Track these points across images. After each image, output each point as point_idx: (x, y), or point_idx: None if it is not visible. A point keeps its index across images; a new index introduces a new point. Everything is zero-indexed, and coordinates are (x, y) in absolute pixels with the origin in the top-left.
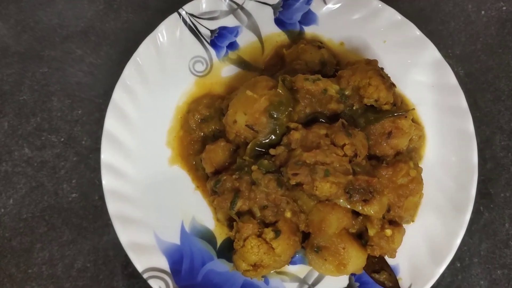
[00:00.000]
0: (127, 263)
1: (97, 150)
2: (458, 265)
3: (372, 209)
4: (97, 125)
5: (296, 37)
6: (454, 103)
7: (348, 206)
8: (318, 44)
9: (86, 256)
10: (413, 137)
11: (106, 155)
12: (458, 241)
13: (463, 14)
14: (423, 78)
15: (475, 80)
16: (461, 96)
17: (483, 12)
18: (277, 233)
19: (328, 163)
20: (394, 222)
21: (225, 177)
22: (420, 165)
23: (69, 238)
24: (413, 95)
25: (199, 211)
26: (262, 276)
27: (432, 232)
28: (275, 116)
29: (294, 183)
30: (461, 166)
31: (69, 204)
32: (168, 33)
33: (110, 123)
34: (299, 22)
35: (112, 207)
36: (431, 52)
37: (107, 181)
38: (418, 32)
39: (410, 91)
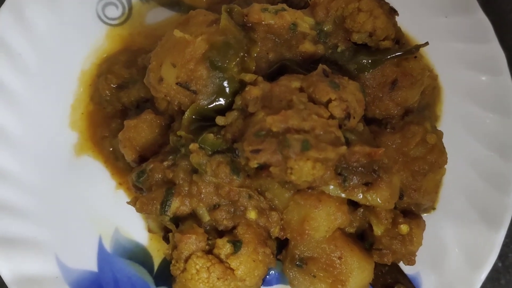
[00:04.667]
0: None
1: None
2: (500, 264)
3: (379, 197)
4: None
5: None
6: (478, 40)
7: (343, 195)
8: None
9: None
10: (426, 88)
11: None
12: (502, 234)
13: None
14: (431, 6)
15: (497, 9)
16: (487, 29)
17: None
18: (237, 245)
19: (307, 130)
20: (409, 213)
21: (152, 165)
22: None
23: None
24: (419, 31)
25: (124, 219)
26: None
27: (463, 223)
28: (219, 64)
29: (255, 166)
30: (499, 128)
31: None
32: None
33: None
34: None
35: None
36: None
37: None
38: None
39: (414, 24)
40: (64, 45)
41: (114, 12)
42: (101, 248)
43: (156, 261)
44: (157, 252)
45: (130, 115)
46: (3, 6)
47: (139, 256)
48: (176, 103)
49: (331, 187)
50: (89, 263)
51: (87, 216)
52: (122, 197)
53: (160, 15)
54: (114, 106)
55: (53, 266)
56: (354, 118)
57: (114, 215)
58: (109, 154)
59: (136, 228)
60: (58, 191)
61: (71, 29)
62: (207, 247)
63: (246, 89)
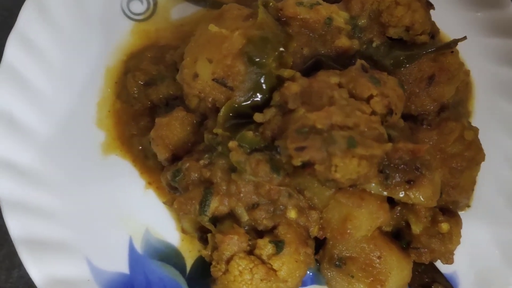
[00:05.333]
0: None
1: None
2: None
3: (422, 195)
4: None
5: None
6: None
7: (384, 193)
8: None
9: None
10: (459, 84)
11: (1, 147)
12: None
13: None
14: (463, 2)
15: None
16: None
17: None
18: (279, 245)
19: (351, 126)
20: (447, 211)
21: (188, 164)
22: None
23: None
24: (450, 27)
25: (154, 219)
26: None
27: (499, 220)
28: (257, 60)
29: (299, 164)
30: None
31: None
32: None
33: (4, 98)
34: None
35: (16, 226)
36: None
37: (4, 186)
38: None
39: (446, 21)
40: (88, 41)
41: (139, 7)
42: (132, 250)
43: (188, 262)
44: (189, 253)
45: (159, 112)
46: (26, 2)
47: (171, 257)
48: (210, 100)
49: (373, 185)
50: (121, 265)
51: (116, 217)
52: (151, 196)
53: (186, 10)
54: (142, 104)
55: (84, 269)
56: (395, 114)
57: (144, 216)
58: (137, 152)
59: (166, 229)
60: (87, 192)
61: (95, 25)
62: (248, 247)
63: (285, 85)
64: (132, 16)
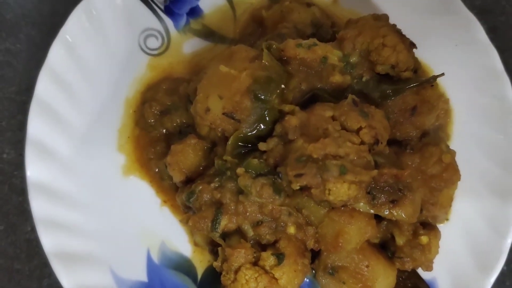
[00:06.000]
0: None
1: (23, 165)
2: (505, 268)
3: (404, 212)
4: (22, 132)
5: None
6: (486, 65)
7: (372, 211)
8: (306, 1)
9: None
10: (439, 112)
11: (34, 170)
12: (509, 241)
13: None
14: (443, 36)
15: (502, 36)
16: (494, 56)
17: None
18: (280, 257)
19: (343, 155)
20: (427, 225)
21: (200, 187)
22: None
23: None
24: (431, 59)
25: (169, 233)
26: None
27: (473, 232)
28: (262, 97)
29: (297, 188)
30: (502, 144)
31: None
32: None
33: (36, 126)
34: None
35: (48, 240)
36: (451, 3)
37: (38, 206)
38: None
39: (428, 54)
40: (110, 75)
41: (155, 43)
42: (149, 260)
43: (199, 271)
44: (200, 263)
45: (174, 139)
46: (56, 40)
47: (184, 267)
48: (219, 130)
49: (361, 204)
50: (140, 274)
51: (136, 231)
52: (166, 213)
53: (196, 45)
54: (158, 131)
55: (109, 278)
56: (381, 143)
57: (160, 230)
58: (154, 174)
59: (180, 242)
60: (110, 209)
61: (116, 60)
62: (253, 259)
63: (286, 118)
64: (148, 51)
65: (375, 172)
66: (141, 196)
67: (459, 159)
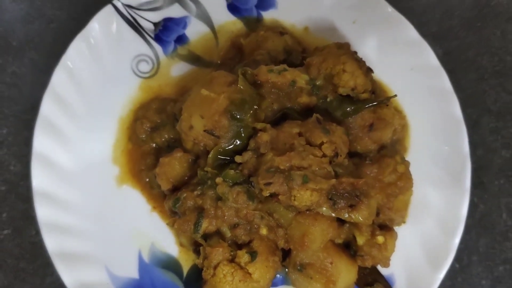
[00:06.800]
0: None
1: (28, 175)
2: (457, 266)
3: (361, 215)
4: (27, 146)
5: (254, 25)
6: (437, 86)
7: (333, 215)
8: (280, 30)
9: None
10: (396, 127)
11: (39, 180)
12: (456, 241)
13: None
14: (400, 61)
15: (455, 59)
16: (444, 78)
17: None
18: (253, 255)
19: (306, 167)
20: (384, 227)
21: (185, 194)
22: (406, 159)
23: (4, 284)
24: (390, 80)
25: (158, 236)
26: None
27: (426, 233)
28: (238, 116)
29: (267, 195)
30: (452, 155)
31: (1, 242)
32: (103, 29)
33: (40, 142)
34: (256, 7)
35: (51, 242)
36: (407, 31)
37: (43, 212)
38: (390, 9)
39: (387, 76)
40: (105, 96)
41: (146, 67)
42: (141, 259)
43: (185, 269)
44: (186, 262)
45: (162, 152)
46: (58, 66)
47: (171, 265)
48: (202, 145)
49: (324, 208)
50: (132, 272)
51: (129, 234)
52: (156, 218)
53: (183, 68)
54: (149, 145)
55: (104, 275)
56: (341, 156)
57: (150, 232)
58: (145, 183)
59: (168, 243)
60: (106, 214)
61: (111, 82)
62: (230, 256)
63: (258, 134)
64: (140, 74)
65: (333, 181)
66: (133, 203)
67: (414, 170)
